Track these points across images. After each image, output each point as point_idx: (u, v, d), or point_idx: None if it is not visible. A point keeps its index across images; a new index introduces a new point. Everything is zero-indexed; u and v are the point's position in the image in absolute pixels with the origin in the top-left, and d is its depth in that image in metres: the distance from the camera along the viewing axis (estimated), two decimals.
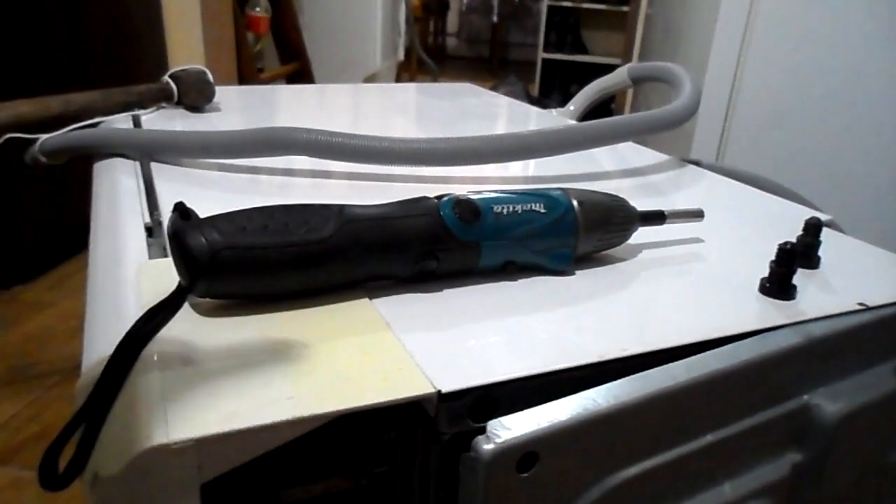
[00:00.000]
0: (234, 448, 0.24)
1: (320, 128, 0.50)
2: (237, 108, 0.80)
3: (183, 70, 0.78)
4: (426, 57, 3.78)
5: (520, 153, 0.51)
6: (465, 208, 0.35)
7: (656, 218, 0.42)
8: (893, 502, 0.43)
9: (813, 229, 0.42)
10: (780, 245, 0.37)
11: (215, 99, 0.77)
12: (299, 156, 0.50)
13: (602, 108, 0.91)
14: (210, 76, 0.76)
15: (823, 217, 0.53)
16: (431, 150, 0.49)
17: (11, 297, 1.47)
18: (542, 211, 0.36)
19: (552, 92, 3.38)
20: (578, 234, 0.37)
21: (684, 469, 0.32)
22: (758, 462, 0.35)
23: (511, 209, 0.36)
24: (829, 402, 0.36)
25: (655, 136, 0.62)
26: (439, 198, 0.35)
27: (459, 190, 0.37)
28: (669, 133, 0.63)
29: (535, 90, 3.40)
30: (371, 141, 0.48)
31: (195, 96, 0.75)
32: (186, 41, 1.56)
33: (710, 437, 0.32)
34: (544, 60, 3.47)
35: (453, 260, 0.35)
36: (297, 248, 0.31)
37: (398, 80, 3.84)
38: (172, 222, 0.31)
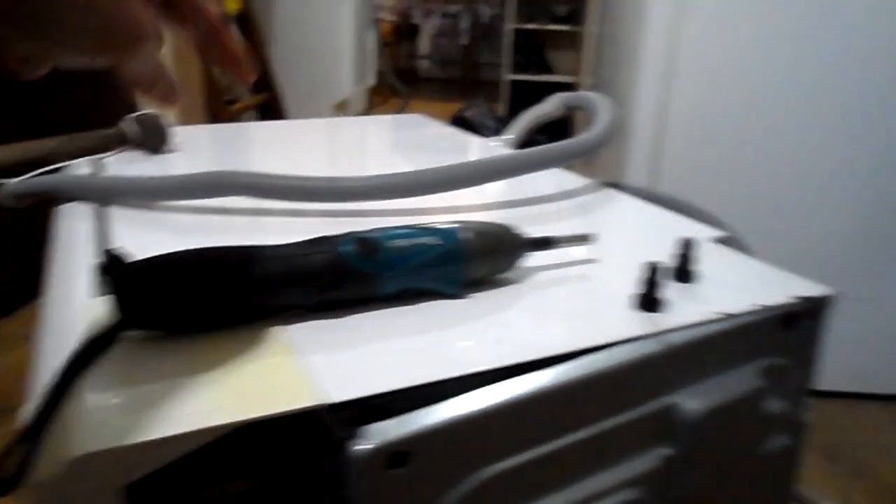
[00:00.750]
0: (147, 455, 0.29)
1: (261, 167, 0.55)
2: (196, 148, 0.85)
3: (141, 114, 0.83)
4: (396, 81, 3.86)
5: (437, 187, 0.56)
6: (366, 244, 0.40)
7: (544, 244, 0.47)
8: (766, 486, 0.48)
9: (685, 247, 0.47)
10: (645, 263, 0.43)
11: (175, 140, 0.82)
12: (236, 196, 0.55)
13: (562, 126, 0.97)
14: (166, 119, 0.81)
15: (721, 234, 0.58)
16: (350, 188, 0.54)
17: None
18: (433, 243, 0.42)
19: (519, 111, 3.46)
20: (467, 262, 0.43)
21: (558, 462, 0.37)
22: (630, 455, 0.40)
23: (407, 242, 0.41)
24: (691, 401, 0.41)
25: (597, 158, 0.68)
26: (343, 235, 0.41)
27: (389, 222, 0.42)
28: (610, 155, 0.69)
29: (501, 110, 3.49)
30: (296, 181, 0.54)
31: (153, 140, 0.81)
32: None
33: (581, 434, 0.38)
34: (511, 81, 3.56)
35: (355, 290, 0.40)
36: (216, 285, 0.36)
37: (370, 103, 3.93)
38: (103, 267, 0.36)
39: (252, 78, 0.37)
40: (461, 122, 3.32)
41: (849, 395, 1.63)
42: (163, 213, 0.59)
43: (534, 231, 0.48)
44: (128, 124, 0.82)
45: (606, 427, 0.39)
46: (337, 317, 0.40)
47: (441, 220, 0.44)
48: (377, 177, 0.55)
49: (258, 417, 0.30)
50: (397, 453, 0.31)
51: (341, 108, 3.23)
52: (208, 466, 0.32)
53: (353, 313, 0.41)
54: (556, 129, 0.76)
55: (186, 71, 1.69)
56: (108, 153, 0.81)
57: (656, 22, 1.25)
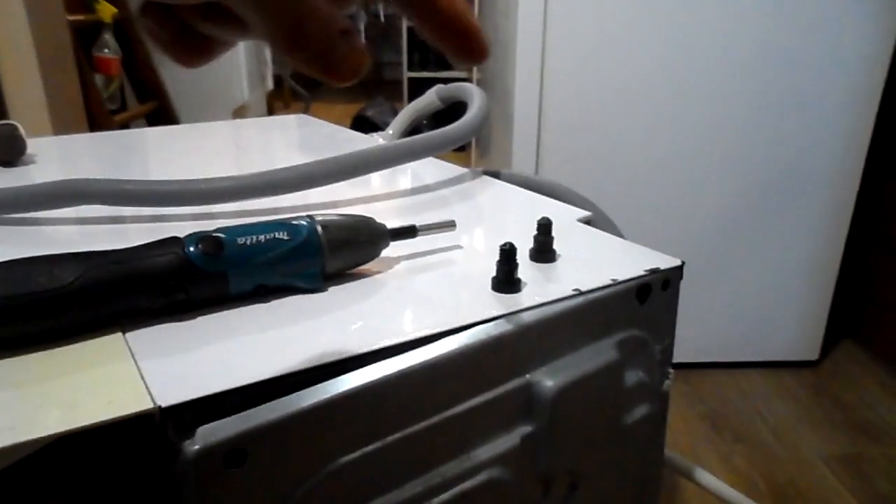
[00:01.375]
0: None
1: (120, 174, 0.53)
2: (54, 159, 0.81)
3: None
4: (296, 85, 3.81)
5: (298, 184, 0.55)
6: (209, 243, 0.39)
7: (407, 232, 0.47)
8: (634, 455, 0.50)
9: (544, 228, 0.48)
10: (500, 246, 0.43)
11: (31, 151, 0.78)
12: (83, 205, 0.53)
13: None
14: (21, 131, 0.77)
15: (586, 214, 0.60)
16: (201, 190, 0.52)
17: None
18: (286, 238, 0.41)
19: None
20: (324, 255, 0.42)
21: (415, 447, 0.37)
22: (490, 436, 0.41)
23: (255, 239, 0.40)
24: (548, 378, 0.42)
25: (485, 150, 0.69)
26: (187, 236, 0.39)
27: (234, 222, 0.41)
28: (499, 144, 0.69)
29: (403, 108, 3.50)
30: (144, 185, 0.52)
31: (6, 152, 0.76)
32: (26, 90, 1.53)
33: (437, 418, 0.38)
34: (410, 79, 3.56)
35: (202, 290, 0.39)
36: (35, 296, 0.34)
37: (270, 110, 3.85)
38: None
39: (486, 54, 0.27)
40: (362, 121, 3.29)
41: (733, 364, 1.71)
42: (17, 228, 0.55)
43: (407, 221, 0.48)
44: None
45: (464, 409, 0.39)
46: (183, 319, 0.39)
47: (295, 216, 0.44)
48: (232, 178, 0.53)
49: (96, 423, 0.29)
50: (233, 451, 0.30)
51: (239, 115, 3.15)
52: (26, 484, 0.30)
53: (202, 314, 0.39)
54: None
55: (62, 77, 1.61)
56: None
57: (526, 17, 1.28)
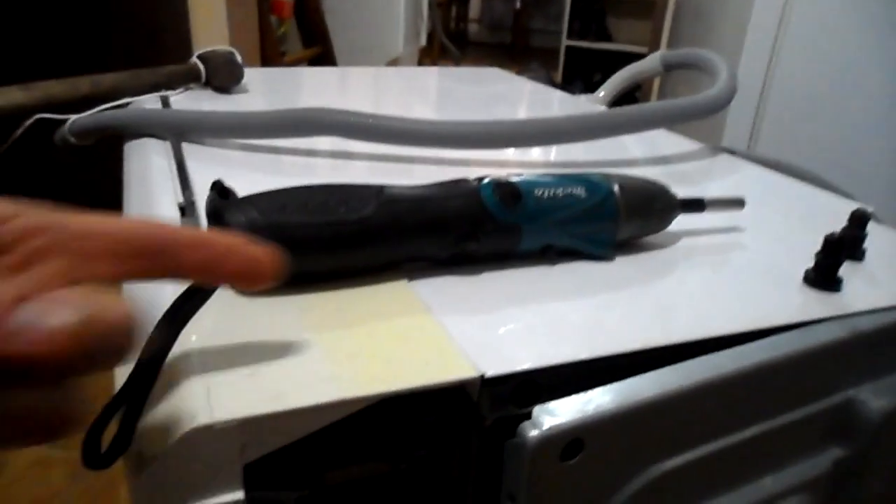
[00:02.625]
0: (277, 429, 0.24)
1: (346, 109, 0.49)
2: (265, 90, 0.80)
3: (211, 51, 0.77)
4: (449, 43, 3.76)
5: (550, 138, 0.50)
6: (506, 191, 0.34)
7: (695, 206, 0.41)
8: None
9: (859, 220, 0.41)
10: (826, 236, 0.36)
11: (243, 80, 0.77)
12: (328, 136, 0.50)
13: (628, 97, 0.90)
14: (238, 57, 0.76)
15: (863, 207, 0.52)
16: (459, 133, 0.48)
17: None
18: (583, 195, 0.36)
19: (575, 80, 3.35)
20: (619, 220, 0.36)
21: (726, 462, 0.31)
22: (799, 457, 0.34)
23: (552, 192, 0.35)
24: (875, 398, 0.35)
25: (685, 125, 0.61)
26: (479, 180, 0.35)
27: (480, 173, 0.36)
28: (699, 121, 0.62)
29: (557, 77, 3.38)
30: (402, 123, 0.48)
31: (223, 77, 0.75)
32: (210, 24, 1.56)
33: (753, 430, 0.32)
34: (568, 48, 3.44)
35: (493, 243, 0.34)
36: (336, 228, 0.30)
37: (420, 65, 3.83)
38: (211, 200, 0.31)
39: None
40: None
41: None
42: (236, 152, 0.53)
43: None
44: (198, 60, 0.76)
45: (780, 423, 0.33)
46: (466, 274, 0.35)
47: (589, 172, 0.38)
48: (491, 123, 0.48)
49: (420, 388, 0.25)
50: (573, 441, 0.25)
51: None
52: (332, 445, 0.27)
53: (488, 270, 0.35)
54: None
55: (243, 15, 1.63)
56: (176, 90, 0.76)
57: None
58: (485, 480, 0.28)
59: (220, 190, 0.31)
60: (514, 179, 0.35)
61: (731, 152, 0.66)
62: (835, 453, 0.35)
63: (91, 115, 0.67)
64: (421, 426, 0.28)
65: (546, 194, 0.35)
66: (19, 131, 0.71)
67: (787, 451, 0.34)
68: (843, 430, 0.35)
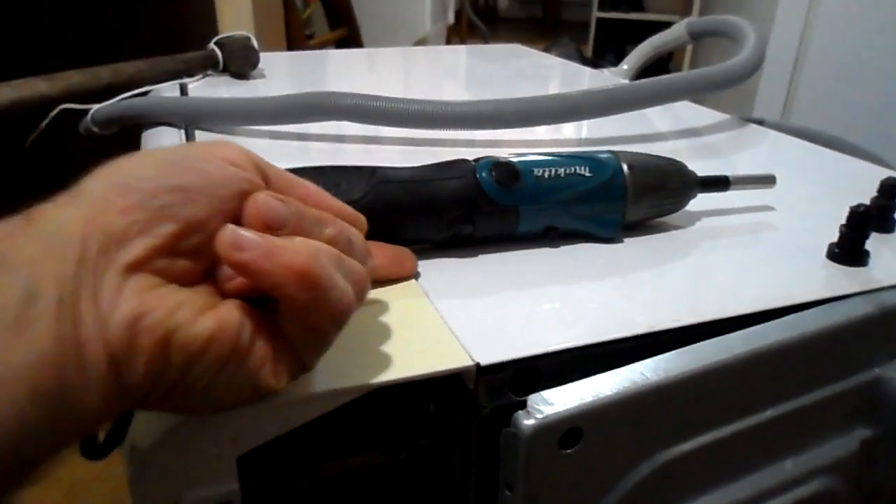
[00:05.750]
0: (266, 421, 0.23)
1: (367, 92, 0.48)
2: (283, 74, 0.79)
3: (228, 37, 0.77)
4: (477, 19, 3.72)
5: (568, 115, 0.49)
6: (503, 171, 0.33)
7: (719, 184, 0.39)
8: None
9: (890, 189, 0.39)
10: (851, 207, 0.35)
11: (261, 66, 0.76)
12: (344, 121, 0.49)
13: (659, 67, 0.87)
14: (255, 42, 0.75)
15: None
16: (475, 113, 0.47)
17: None
18: (588, 174, 0.34)
19: (606, 52, 3.28)
20: (627, 200, 0.35)
21: (742, 446, 0.30)
22: (823, 438, 0.33)
23: (553, 172, 0.34)
24: None
25: (714, 95, 0.59)
26: (477, 160, 0.34)
27: (508, 152, 0.35)
28: (729, 91, 0.59)
29: (588, 51, 3.31)
30: (412, 105, 0.47)
31: (240, 63, 0.75)
32: (235, 7, 1.56)
33: (770, 413, 0.31)
34: (599, 20, 3.36)
35: (490, 225, 0.33)
36: None
37: (448, 43, 3.78)
38: None
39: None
40: None
41: None
42: (260, 140, 0.53)
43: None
44: (215, 47, 0.76)
45: (800, 404, 0.31)
46: (464, 256, 0.34)
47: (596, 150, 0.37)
48: (503, 101, 0.47)
49: (413, 378, 0.24)
50: (571, 430, 0.24)
51: (420, 46, 3.13)
52: (328, 436, 0.26)
53: (486, 253, 0.34)
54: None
55: (268, 1, 1.63)
56: (194, 77, 0.76)
57: None
58: (485, 469, 0.27)
59: None
60: (514, 159, 0.34)
61: (760, 123, 0.64)
62: (862, 433, 0.34)
63: (112, 104, 0.67)
64: (418, 416, 0.28)
65: (547, 174, 0.34)
66: (45, 122, 0.72)
67: (811, 433, 0.32)
68: (871, 409, 0.33)
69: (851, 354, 0.32)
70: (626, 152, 0.36)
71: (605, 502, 0.27)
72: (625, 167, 0.35)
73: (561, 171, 0.34)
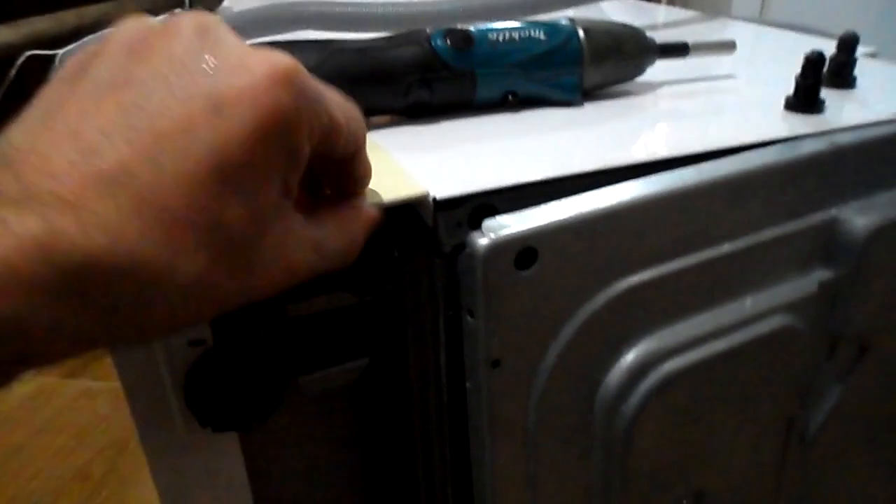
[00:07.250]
0: None
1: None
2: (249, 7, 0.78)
3: None
4: None
5: (541, 6, 0.49)
6: (458, 36, 0.33)
7: (678, 50, 0.39)
8: None
9: (847, 44, 0.39)
10: (806, 54, 0.35)
11: (226, 3, 0.76)
12: (304, 31, 0.49)
13: None
14: None
15: (869, 49, 0.49)
16: (436, 13, 0.47)
17: None
18: (542, 38, 0.35)
19: None
20: (584, 62, 0.35)
21: (699, 279, 0.31)
22: (782, 277, 0.34)
23: (507, 36, 0.34)
24: (859, 216, 0.34)
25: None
26: (435, 29, 0.34)
27: None
28: None
29: None
30: (364, 8, 0.47)
31: (207, 1, 0.74)
32: None
33: (727, 247, 0.31)
34: None
35: (448, 90, 0.34)
36: None
37: None
38: None
39: None
40: None
41: None
42: None
43: None
44: None
45: (758, 240, 0.32)
46: (425, 124, 0.34)
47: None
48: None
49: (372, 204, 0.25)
50: (525, 250, 0.25)
51: None
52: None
53: (447, 119, 0.35)
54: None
55: None
56: (160, 17, 0.75)
57: None
58: (451, 310, 0.28)
59: None
60: (470, 27, 0.34)
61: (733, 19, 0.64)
62: (821, 275, 0.34)
63: (77, 46, 0.66)
64: (385, 263, 0.28)
65: (502, 38, 0.34)
66: (13, 71, 0.71)
67: (768, 271, 0.33)
68: (828, 249, 0.34)
69: (806, 192, 0.33)
70: (582, 18, 0.37)
71: (565, 332, 0.28)
72: (580, 31, 0.36)
73: (516, 34, 0.34)
